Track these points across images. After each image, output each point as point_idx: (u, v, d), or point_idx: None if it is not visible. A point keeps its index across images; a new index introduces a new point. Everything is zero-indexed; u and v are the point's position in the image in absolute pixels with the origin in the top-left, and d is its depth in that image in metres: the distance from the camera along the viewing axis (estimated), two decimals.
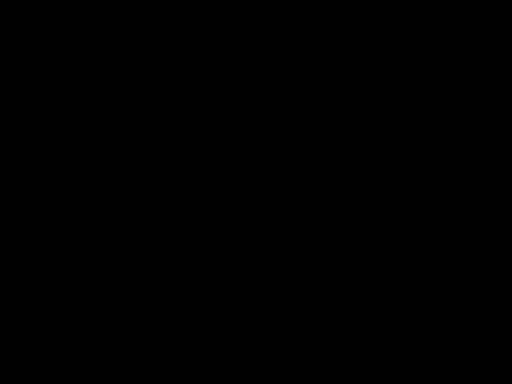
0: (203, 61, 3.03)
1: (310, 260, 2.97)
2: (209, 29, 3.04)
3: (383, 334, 2.94)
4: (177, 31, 3.03)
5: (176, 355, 2.94)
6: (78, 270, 2.96)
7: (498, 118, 3.00)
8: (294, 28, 3.03)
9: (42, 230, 2.97)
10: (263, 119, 3.02)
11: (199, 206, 2.99)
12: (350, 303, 2.96)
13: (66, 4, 3.03)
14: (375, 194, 2.99)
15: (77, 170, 3.00)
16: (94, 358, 2.93)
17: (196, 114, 3.02)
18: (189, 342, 2.95)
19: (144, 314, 2.95)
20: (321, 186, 3.00)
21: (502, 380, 2.91)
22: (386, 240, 2.97)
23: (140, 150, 3.01)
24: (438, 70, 3.02)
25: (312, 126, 3.02)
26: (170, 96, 3.03)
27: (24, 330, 2.94)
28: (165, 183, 3.00)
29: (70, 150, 3.01)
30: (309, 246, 2.98)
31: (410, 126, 3.01)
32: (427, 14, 3.02)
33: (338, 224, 2.98)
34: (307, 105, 3.02)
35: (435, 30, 3.02)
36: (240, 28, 3.02)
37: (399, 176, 2.99)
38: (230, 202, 3.00)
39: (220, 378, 2.95)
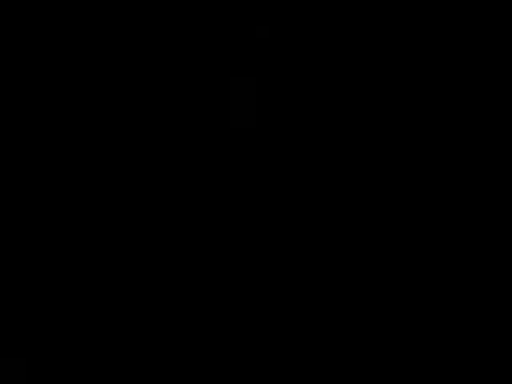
0: (203, 61, 3.03)
1: (310, 260, 2.97)
2: (209, 29, 3.04)
3: (383, 333, 2.94)
4: (177, 31, 3.04)
5: (176, 355, 2.94)
6: (78, 270, 2.96)
7: (498, 118, 3.00)
8: (294, 28, 3.03)
9: (42, 230, 2.97)
10: (263, 119, 3.02)
11: (199, 205, 2.99)
12: (350, 303, 2.96)
13: (66, 4, 3.03)
14: (375, 193, 2.99)
15: (77, 170, 3.00)
16: (94, 358, 2.93)
17: (196, 114, 3.02)
18: (189, 342, 2.95)
19: (144, 313, 2.96)
20: (321, 185, 3.00)
21: (502, 380, 2.91)
22: (386, 240, 2.98)
23: (140, 149, 3.01)
24: (438, 70, 3.02)
25: (312, 126, 3.02)
26: (170, 96, 3.03)
27: (24, 329, 2.94)
28: (165, 183, 3.00)
29: (70, 150, 3.01)
30: (309, 245, 2.98)
31: (409, 125, 3.01)
32: (427, 13, 3.02)
33: (337, 224, 2.98)
34: (307, 105, 3.02)
35: (435, 30, 3.02)
36: (240, 28, 3.02)
37: (399, 176, 2.99)
38: (230, 201, 3.00)
39: (220, 378, 2.95)
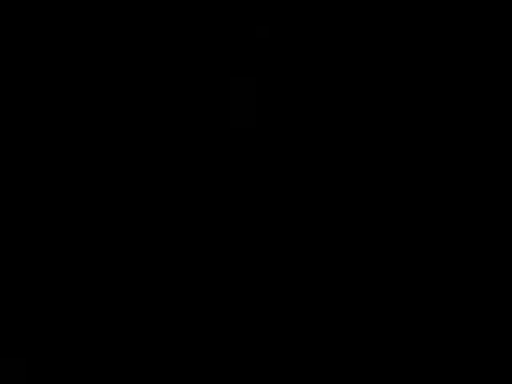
0: (203, 61, 3.03)
1: (310, 260, 2.97)
2: (209, 29, 3.04)
3: (383, 334, 2.94)
4: (177, 31, 3.04)
5: (176, 355, 2.94)
6: (78, 270, 2.96)
7: (498, 118, 3.00)
8: (294, 28, 3.03)
9: (41, 230, 2.97)
10: (263, 119, 3.02)
11: (199, 205, 2.99)
12: (350, 303, 2.96)
13: (66, 4, 3.03)
14: (375, 193, 2.99)
15: (77, 170, 3.00)
16: (94, 358, 2.93)
17: (196, 114, 3.02)
18: (189, 342, 2.95)
19: (144, 313, 2.96)
20: (321, 185, 3.00)
21: (502, 380, 2.91)
22: (385, 240, 2.97)
23: (140, 149, 3.01)
24: (438, 70, 3.02)
25: (312, 126, 3.02)
26: (170, 96, 3.03)
27: (24, 329, 2.94)
28: (165, 183, 3.00)
29: (70, 151, 3.01)
30: (309, 245, 2.98)
31: (409, 126, 3.01)
32: (427, 13, 3.02)
33: (337, 224, 2.98)
34: (307, 105, 3.02)
35: (435, 30, 3.02)
36: (240, 28, 3.03)
37: (399, 176, 3.00)
38: (230, 201, 3.00)
39: (220, 378, 2.95)
